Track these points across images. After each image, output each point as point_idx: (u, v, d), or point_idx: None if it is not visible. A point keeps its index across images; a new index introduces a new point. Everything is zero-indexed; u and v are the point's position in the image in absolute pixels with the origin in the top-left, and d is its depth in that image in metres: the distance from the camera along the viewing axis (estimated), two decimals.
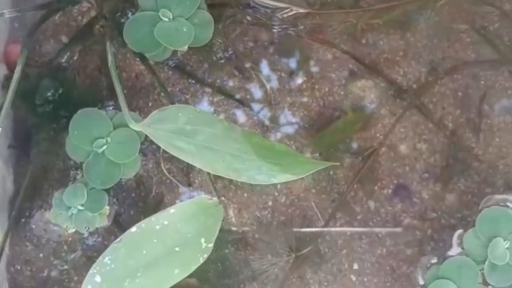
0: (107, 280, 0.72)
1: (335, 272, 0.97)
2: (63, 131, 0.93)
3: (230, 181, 0.97)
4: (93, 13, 0.98)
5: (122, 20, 0.95)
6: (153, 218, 0.74)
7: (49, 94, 0.96)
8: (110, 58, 0.86)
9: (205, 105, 0.98)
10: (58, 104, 0.96)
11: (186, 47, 0.89)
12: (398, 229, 0.97)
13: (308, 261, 0.97)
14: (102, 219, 0.92)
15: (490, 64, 0.99)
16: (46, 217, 0.95)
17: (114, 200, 0.96)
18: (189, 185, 0.97)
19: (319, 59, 0.99)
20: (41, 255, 0.96)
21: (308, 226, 0.97)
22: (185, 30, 0.88)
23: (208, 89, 0.98)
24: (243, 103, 0.98)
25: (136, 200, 0.97)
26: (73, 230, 0.92)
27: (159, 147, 0.95)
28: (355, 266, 0.97)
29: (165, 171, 0.97)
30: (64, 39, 0.98)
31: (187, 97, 0.98)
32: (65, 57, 0.97)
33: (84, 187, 0.90)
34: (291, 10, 0.97)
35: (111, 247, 0.73)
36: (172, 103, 0.92)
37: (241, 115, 0.98)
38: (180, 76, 0.98)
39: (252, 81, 0.98)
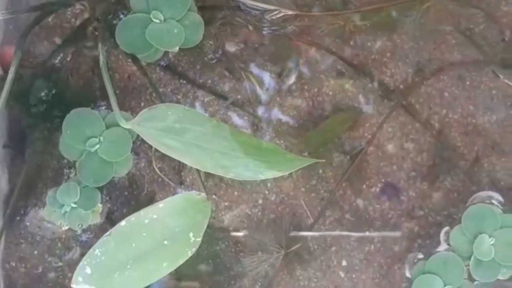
0: (97, 272, 0.73)
1: (324, 269, 0.98)
2: (56, 131, 0.93)
3: (221, 179, 0.97)
4: (86, 15, 0.98)
5: (114, 22, 0.95)
6: (142, 212, 0.75)
7: (42, 94, 0.96)
8: (102, 59, 0.87)
9: (196, 105, 0.98)
10: (51, 104, 0.96)
11: (177, 48, 0.90)
12: (388, 230, 0.98)
13: (298, 258, 0.97)
14: (95, 217, 0.92)
15: (475, 65, 0.99)
16: (40, 215, 0.95)
17: (107, 198, 0.96)
18: (181, 183, 0.97)
19: (308, 60, 0.99)
20: (35, 252, 0.96)
21: (297, 224, 0.97)
22: (176, 31, 0.89)
23: (199, 90, 0.99)
24: (234, 103, 0.99)
25: (129, 198, 0.97)
26: (67, 227, 0.92)
27: (151, 146, 0.96)
28: (344, 263, 0.98)
29: (157, 170, 0.97)
30: (58, 40, 0.98)
31: (179, 97, 0.99)
32: (59, 58, 0.97)
33: (77, 185, 0.90)
34: (280, 12, 0.97)
35: (101, 240, 0.73)
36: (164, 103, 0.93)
37: (231, 115, 0.98)
38: (172, 77, 0.99)
39: (242, 81, 0.99)
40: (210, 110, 0.99)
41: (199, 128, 0.78)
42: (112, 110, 0.88)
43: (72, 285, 0.73)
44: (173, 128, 0.77)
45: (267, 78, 0.99)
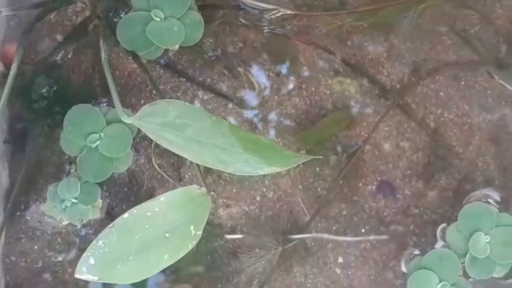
0: (100, 263, 0.73)
1: (321, 265, 0.98)
2: (57, 127, 0.93)
3: (219, 176, 0.98)
4: (87, 13, 0.98)
5: (115, 20, 0.96)
6: (144, 205, 0.75)
7: (44, 91, 0.96)
8: (103, 56, 0.87)
9: (195, 103, 0.99)
10: (52, 101, 0.96)
11: (177, 46, 0.90)
12: (383, 230, 0.99)
13: (295, 254, 0.97)
14: (95, 212, 0.92)
15: (470, 65, 1.00)
16: (40, 210, 0.95)
17: (107, 193, 0.97)
18: (180, 179, 0.98)
19: (306, 59, 1.00)
20: (35, 247, 0.97)
21: (294, 221, 0.98)
22: (176, 29, 0.89)
23: (198, 88, 0.99)
24: (233, 101, 0.99)
25: (128, 194, 0.97)
26: (67, 222, 0.93)
27: (150, 143, 0.96)
28: (340, 260, 0.98)
29: (156, 166, 0.97)
30: (59, 37, 0.98)
31: (178, 95, 0.99)
32: (60, 55, 0.97)
33: (78, 181, 0.90)
34: (279, 12, 0.97)
35: (104, 231, 0.74)
36: None
37: (230, 113, 0.99)
38: (172, 74, 0.99)
39: (241, 80, 0.99)
40: (209, 108, 0.99)
41: (199, 123, 0.78)
42: (112, 107, 0.90)
43: (76, 275, 0.74)
44: (174, 124, 0.78)
45: (265, 76, 1.00)
